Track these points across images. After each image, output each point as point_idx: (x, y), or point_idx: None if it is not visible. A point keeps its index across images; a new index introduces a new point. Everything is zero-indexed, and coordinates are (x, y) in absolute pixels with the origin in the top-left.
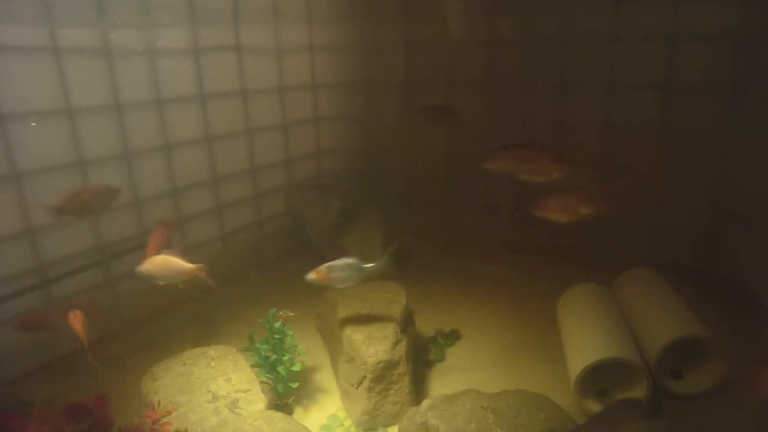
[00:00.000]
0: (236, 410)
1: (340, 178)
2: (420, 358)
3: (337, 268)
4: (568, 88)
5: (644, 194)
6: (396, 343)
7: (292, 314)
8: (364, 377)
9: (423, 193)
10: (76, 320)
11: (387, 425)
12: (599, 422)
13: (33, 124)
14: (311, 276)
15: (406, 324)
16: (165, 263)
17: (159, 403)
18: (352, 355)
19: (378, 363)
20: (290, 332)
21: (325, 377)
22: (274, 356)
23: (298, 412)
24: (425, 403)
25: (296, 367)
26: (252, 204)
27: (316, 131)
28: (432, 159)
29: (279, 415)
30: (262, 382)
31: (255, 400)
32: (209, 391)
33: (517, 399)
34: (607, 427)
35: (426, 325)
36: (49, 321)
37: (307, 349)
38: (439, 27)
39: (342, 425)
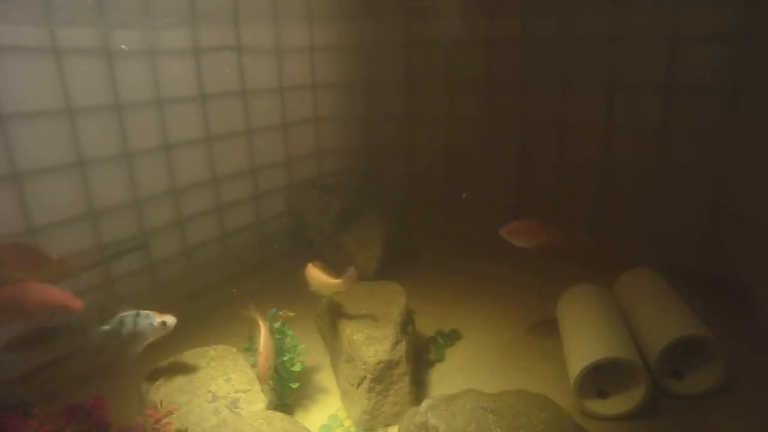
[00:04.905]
0: (236, 410)
1: (340, 178)
2: (420, 358)
3: None
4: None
5: None
6: (396, 343)
7: (292, 314)
8: (364, 377)
9: (423, 193)
10: None
11: (387, 425)
12: None
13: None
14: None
15: (406, 324)
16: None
17: (161, 403)
18: (352, 355)
19: (378, 363)
20: (290, 332)
21: (325, 377)
22: None
23: (298, 412)
24: (425, 403)
25: (296, 368)
26: (252, 204)
27: (315, 131)
28: (432, 158)
29: (279, 415)
30: None
31: (255, 400)
32: (209, 391)
33: (517, 399)
34: None
35: (426, 325)
36: None
37: (307, 349)
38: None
39: (342, 425)
